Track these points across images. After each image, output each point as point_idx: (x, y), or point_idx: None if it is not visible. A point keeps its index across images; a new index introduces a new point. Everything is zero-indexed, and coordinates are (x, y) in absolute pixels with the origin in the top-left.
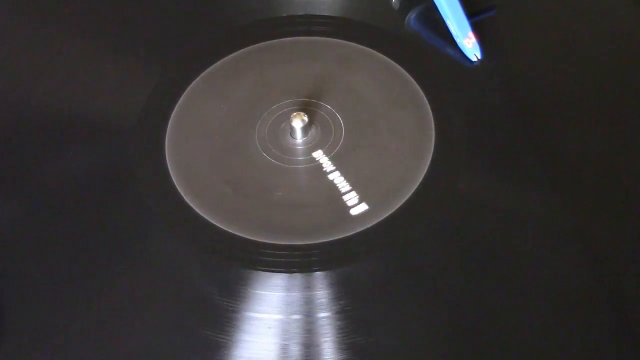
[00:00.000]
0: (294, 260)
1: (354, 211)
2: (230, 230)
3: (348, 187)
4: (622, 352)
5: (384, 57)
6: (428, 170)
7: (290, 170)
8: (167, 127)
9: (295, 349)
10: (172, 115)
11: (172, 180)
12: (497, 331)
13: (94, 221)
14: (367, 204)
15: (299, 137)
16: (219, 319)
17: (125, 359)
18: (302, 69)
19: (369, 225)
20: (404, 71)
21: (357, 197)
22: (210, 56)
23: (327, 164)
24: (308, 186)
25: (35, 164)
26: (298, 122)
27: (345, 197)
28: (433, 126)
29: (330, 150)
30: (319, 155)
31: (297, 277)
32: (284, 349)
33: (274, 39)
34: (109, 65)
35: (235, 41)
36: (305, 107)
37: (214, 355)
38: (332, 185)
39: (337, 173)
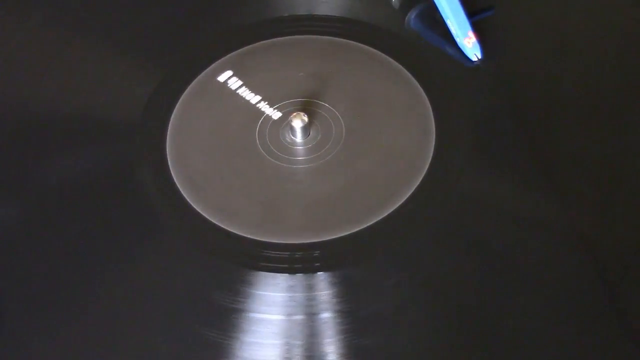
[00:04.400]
0: (295, 261)
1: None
2: (231, 230)
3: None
4: (621, 352)
5: (384, 56)
6: (428, 170)
7: (290, 170)
8: (168, 127)
9: (297, 350)
10: (172, 115)
11: (173, 179)
12: (497, 331)
13: (94, 221)
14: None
15: (299, 137)
16: (220, 319)
17: (126, 359)
18: (303, 69)
19: (370, 225)
20: (404, 71)
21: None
22: (210, 56)
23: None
24: (308, 186)
25: (36, 163)
26: (298, 122)
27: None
28: (433, 126)
29: (331, 150)
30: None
31: (299, 278)
32: (286, 350)
33: (274, 39)
34: (110, 65)
35: (235, 41)
36: (305, 107)
37: (215, 355)
38: (333, 185)
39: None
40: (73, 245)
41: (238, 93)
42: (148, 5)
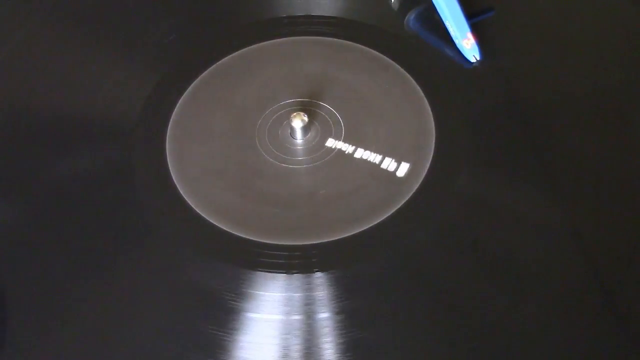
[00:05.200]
0: (294, 262)
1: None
2: (230, 230)
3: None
4: (621, 352)
5: (384, 57)
6: (428, 170)
7: (290, 170)
8: (167, 127)
9: (295, 350)
10: (172, 116)
11: (172, 180)
12: (497, 331)
13: (94, 221)
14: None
15: (299, 137)
16: (219, 319)
17: (125, 359)
18: (302, 69)
19: (369, 226)
20: (404, 71)
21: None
22: (210, 56)
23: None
24: (308, 186)
25: (36, 164)
26: (298, 122)
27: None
28: (433, 127)
29: (330, 150)
30: (331, 143)
31: (298, 278)
32: (284, 350)
33: (274, 39)
34: (110, 65)
35: (235, 41)
36: (305, 107)
37: (214, 355)
38: (332, 185)
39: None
40: (73, 245)
41: (238, 93)
42: (148, 6)
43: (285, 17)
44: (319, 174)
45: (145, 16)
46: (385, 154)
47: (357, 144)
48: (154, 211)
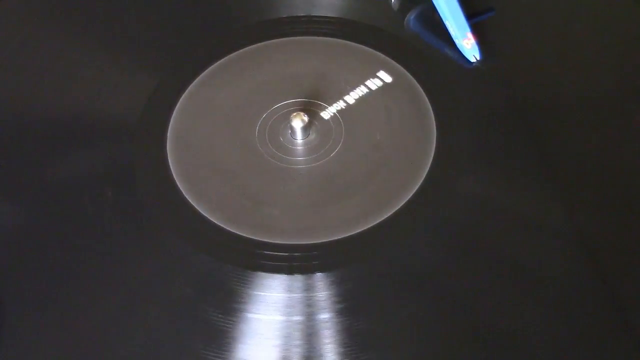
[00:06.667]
0: (294, 262)
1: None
2: (231, 230)
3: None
4: (621, 352)
5: (384, 57)
6: (428, 170)
7: (290, 170)
8: (168, 127)
9: (295, 350)
10: (173, 115)
11: (174, 179)
12: (498, 331)
13: (95, 221)
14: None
15: (299, 137)
16: (219, 319)
17: (124, 359)
18: (302, 69)
19: (369, 226)
20: (404, 71)
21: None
22: (210, 56)
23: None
24: (308, 186)
25: (36, 164)
26: (298, 122)
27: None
28: (434, 127)
29: (330, 150)
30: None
31: (298, 278)
32: (285, 350)
33: (274, 39)
34: (110, 65)
35: (235, 41)
36: (305, 107)
37: (214, 355)
38: (332, 185)
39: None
40: (73, 245)
41: (238, 93)
42: (148, 6)
43: (285, 17)
44: (320, 174)
45: (145, 16)
46: (385, 153)
47: (357, 143)
48: (155, 211)
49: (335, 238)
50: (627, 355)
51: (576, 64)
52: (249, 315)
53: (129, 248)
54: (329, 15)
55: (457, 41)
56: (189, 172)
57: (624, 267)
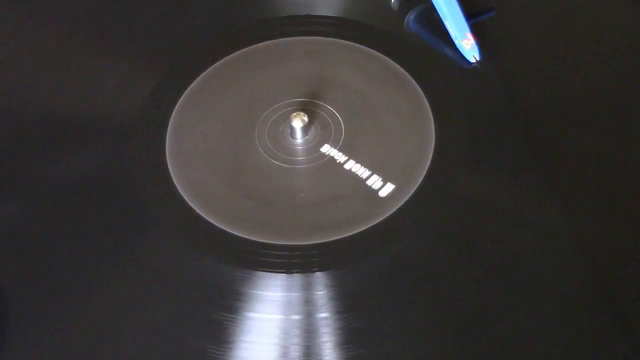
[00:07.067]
0: (293, 261)
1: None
2: (230, 230)
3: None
4: (620, 352)
5: (384, 57)
6: (427, 170)
7: (289, 170)
8: (167, 127)
9: (295, 349)
10: (172, 115)
11: (172, 180)
12: (497, 331)
13: (94, 221)
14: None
15: (299, 137)
16: (219, 318)
17: (124, 358)
18: (302, 69)
19: (369, 226)
20: (404, 71)
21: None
22: (210, 56)
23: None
24: (308, 186)
25: (36, 163)
26: (298, 122)
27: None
28: (432, 127)
29: (330, 149)
30: (326, 149)
31: (297, 278)
32: (284, 349)
33: (274, 39)
34: (110, 65)
35: (235, 41)
36: (305, 107)
37: (214, 355)
38: (332, 186)
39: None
40: (72, 246)
41: (238, 93)
42: (148, 6)
43: (285, 17)
44: (320, 174)
45: (145, 16)
46: (384, 153)
47: (357, 143)
48: (154, 211)
49: (335, 238)
50: (626, 355)
51: (576, 64)
52: (249, 314)
53: (127, 248)
54: (329, 15)
55: (456, 41)
56: (188, 172)
57: (622, 266)
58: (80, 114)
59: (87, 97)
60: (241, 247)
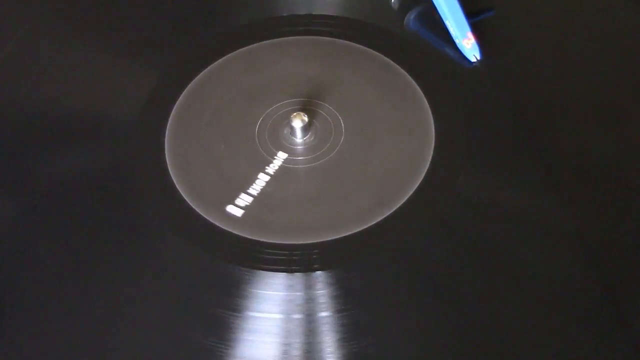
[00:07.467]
0: (294, 259)
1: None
2: (230, 230)
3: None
4: (620, 351)
5: (384, 57)
6: (428, 170)
7: (289, 170)
8: (166, 126)
9: (295, 349)
10: (171, 115)
11: (172, 180)
12: (497, 331)
13: (93, 221)
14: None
15: (299, 137)
16: (219, 318)
17: (124, 358)
18: (302, 69)
19: (369, 225)
20: (404, 71)
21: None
22: (210, 56)
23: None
24: (308, 186)
25: (35, 163)
26: (298, 122)
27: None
28: (432, 126)
29: (330, 150)
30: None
31: (298, 277)
32: (285, 349)
33: (274, 39)
34: (109, 65)
35: (235, 41)
36: (305, 107)
37: (214, 355)
38: (332, 185)
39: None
40: (72, 245)
41: (238, 93)
42: (147, 5)
43: (285, 17)
44: (319, 174)
45: (145, 16)
46: (384, 153)
47: (357, 143)
48: (153, 211)
49: (335, 237)
50: (626, 355)
51: (576, 64)
52: (249, 313)
53: (126, 247)
54: (329, 14)
55: (457, 41)
56: (188, 171)
57: (625, 266)
58: (79, 113)
59: (87, 96)
60: (241, 246)
